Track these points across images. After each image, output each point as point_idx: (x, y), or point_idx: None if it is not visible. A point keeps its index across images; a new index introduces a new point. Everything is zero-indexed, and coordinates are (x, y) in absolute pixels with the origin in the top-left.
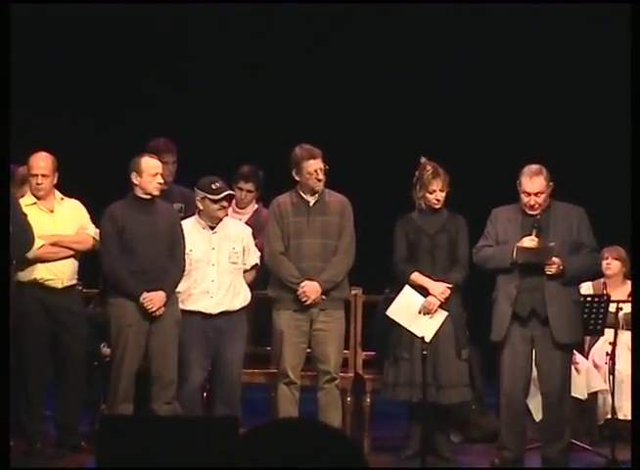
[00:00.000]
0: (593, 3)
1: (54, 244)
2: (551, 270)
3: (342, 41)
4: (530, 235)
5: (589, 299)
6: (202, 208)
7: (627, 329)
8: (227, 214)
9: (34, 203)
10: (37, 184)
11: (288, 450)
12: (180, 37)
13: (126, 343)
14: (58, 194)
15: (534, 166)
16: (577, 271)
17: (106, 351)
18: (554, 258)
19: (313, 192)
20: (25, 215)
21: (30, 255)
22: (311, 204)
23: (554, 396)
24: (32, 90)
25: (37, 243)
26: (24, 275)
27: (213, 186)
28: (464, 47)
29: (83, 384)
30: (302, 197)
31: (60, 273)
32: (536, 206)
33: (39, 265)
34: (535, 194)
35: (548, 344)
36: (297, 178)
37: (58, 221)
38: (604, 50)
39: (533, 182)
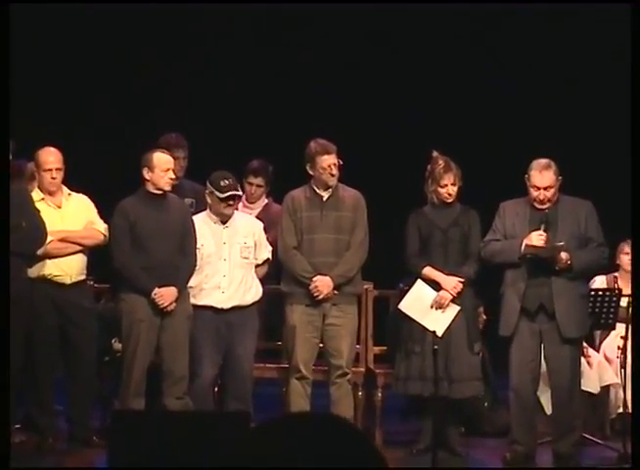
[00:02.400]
0: (593, 3)
1: (62, 240)
2: (559, 265)
3: (354, 34)
4: (539, 229)
5: (600, 293)
6: (209, 202)
7: None
8: (233, 212)
9: (42, 199)
10: (52, 178)
11: (300, 445)
12: (191, 32)
13: (138, 338)
14: (65, 189)
15: (543, 161)
16: (585, 266)
17: (117, 346)
18: (562, 254)
19: (327, 187)
20: (38, 211)
21: (39, 251)
22: (325, 198)
23: (563, 390)
24: (42, 86)
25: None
26: (33, 271)
27: (222, 183)
28: (475, 43)
29: (94, 379)
30: (316, 192)
31: (68, 269)
32: (546, 200)
33: (48, 261)
34: (545, 188)
35: (556, 338)
36: (310, 173)
37: (66, 217)
38: (604, 49)
39: (543, 176)
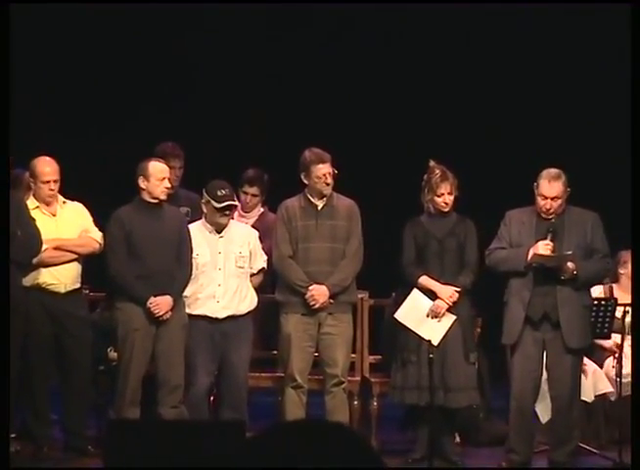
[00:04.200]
0: (593, 3)
1: (56, 248)
2: (565, 275)
3: (350, 44)
4: (545, 239)
5: (596, 302)
6: (205, 211)
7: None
8: (229, 222)
9: (37, 207)
10: (51, 190)
11: (297, 452)
12: (186, 40)
13: (133, 347)
14: (60, 198)
15: (554, 171)
16: (590, 276)
17: (113, 355)
18: (568, 263)
19: (321, 196)
20: (34, 220)
21: (33, 259)
22: (319, 208)
23: (564, 399)
24: (37, 93)
25: None
26: (27, 280)
27: (219, 193)
28: (473, 49)
29: (89, 388)
30: (311, 201)
31: (63, 277)
32: (552, 210)
33: (42, 270)
34: (552, 198)
35: (559, 348)
36: (305, 182)
37: (60, 225)
38: (605, 50)
39: (552, 186)
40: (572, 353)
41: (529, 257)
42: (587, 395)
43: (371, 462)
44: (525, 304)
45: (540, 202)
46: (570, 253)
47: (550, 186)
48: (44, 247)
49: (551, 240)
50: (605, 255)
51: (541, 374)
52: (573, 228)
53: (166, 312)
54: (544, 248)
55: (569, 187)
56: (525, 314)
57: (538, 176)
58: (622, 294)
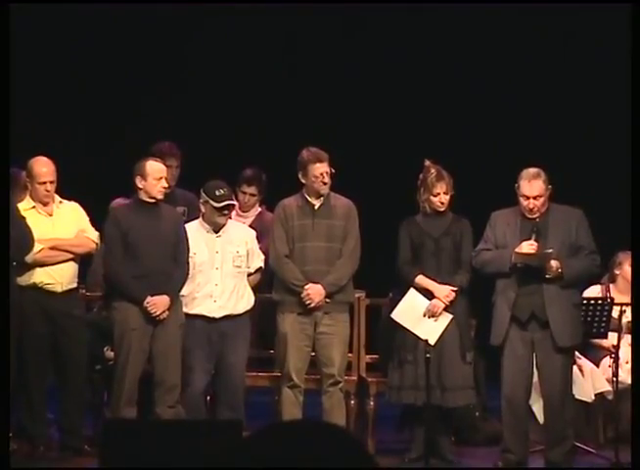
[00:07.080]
0: (593, 3)
1: (53, 248)
2: (549, 274)
3: (347, 43)
4: (530, 239)
5: (592, 302)
6: (204, 211)
7: (628, 333)
8: (226, 221)
9: (33, 207)
10: (47, 191)
11: (292, 452)
12: (182, 40)
13: (130, 347)
14: (56, 197)
15: (533, 170)
16: (576, 274)
17: (109, 354)
18: (552, 262)
19: (319, 195)
20: (24, 218)
21: (29, 259)
22: (316, 207)
23: (556, 399)
24: (34, 93)
25: (36, 247)
26: (24, 279)
27: (217, 193)
28: (465, 50)
29: (85, 388)
30: (308, 200)
31: (59, 277)
32: (535, 209)
33: (38, 269)
34: (534, 197)
35: (549, 347)
36: (303, 181)
37: (57, 225)
38: (604, 50)
39: (532, 186)
40: (562, 352)
41: (512, 257)
42: (587, 394)
43: (365, 464)
44: (511, 304)
45: (523, 202)
46: (550, 250)
47: (530, 185)
48: (40, 247)
49: (535, 239)
50: (591, 251)
51: (532, 373)
52: (558, 226)
53: (163, 312)
54: (528, 248)
55: (549, 185)
56: (512, 314)
57: (518, 177)
58: (618, 294)
